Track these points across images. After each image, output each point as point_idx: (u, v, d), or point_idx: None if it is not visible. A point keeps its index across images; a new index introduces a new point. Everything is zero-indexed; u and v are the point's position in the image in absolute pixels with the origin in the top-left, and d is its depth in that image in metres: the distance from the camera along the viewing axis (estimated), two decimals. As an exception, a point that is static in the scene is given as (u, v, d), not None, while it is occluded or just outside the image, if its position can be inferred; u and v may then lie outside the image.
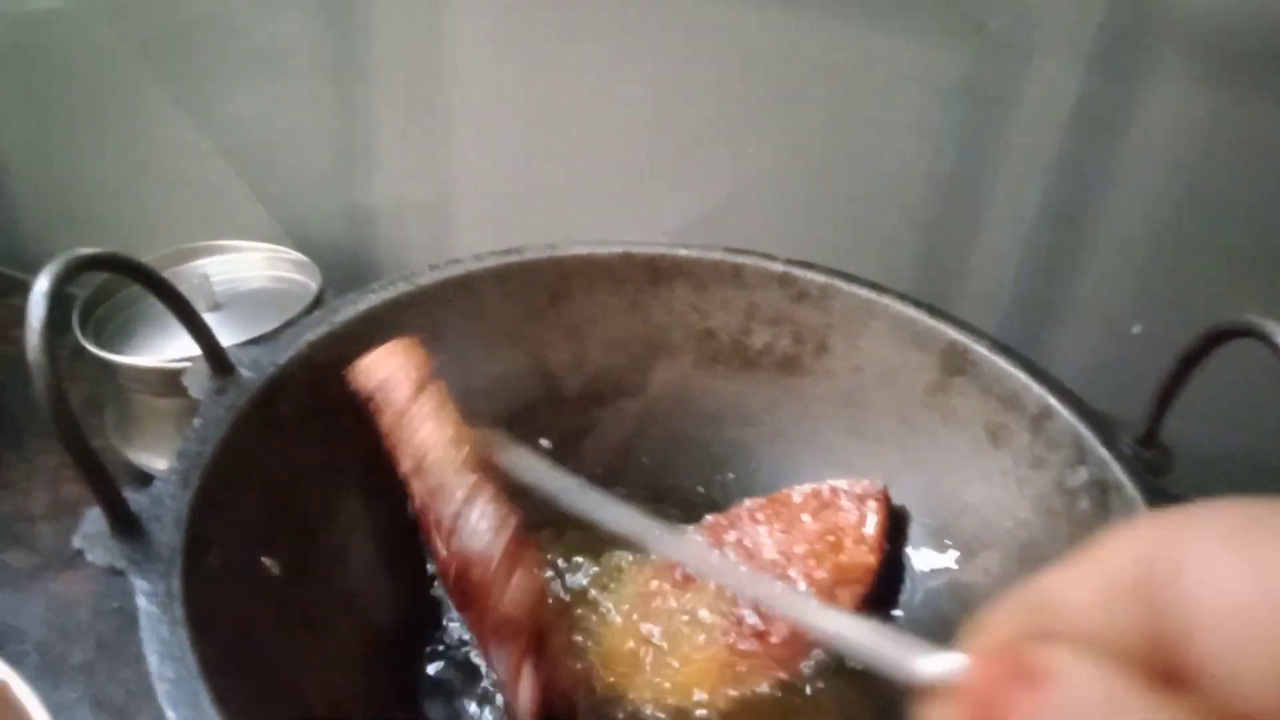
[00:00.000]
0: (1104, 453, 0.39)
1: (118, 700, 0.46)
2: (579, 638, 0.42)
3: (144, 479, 0.56)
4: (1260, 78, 0.47)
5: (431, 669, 0.41)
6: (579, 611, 0.43)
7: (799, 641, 0.41)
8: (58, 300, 0.31)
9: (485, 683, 0.41)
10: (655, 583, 0.44)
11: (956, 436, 0.45)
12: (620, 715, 0.40)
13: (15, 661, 0.36)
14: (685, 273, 0.50)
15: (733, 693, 0.40)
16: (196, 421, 0.37)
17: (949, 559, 0.44)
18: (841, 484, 0.46)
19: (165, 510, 0.33)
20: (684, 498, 0.50)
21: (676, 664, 0.41)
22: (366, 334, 0.44)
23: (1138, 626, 0.14)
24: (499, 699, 0.40)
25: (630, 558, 0.45)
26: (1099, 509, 0.39)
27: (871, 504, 0.44)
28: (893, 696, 0.41)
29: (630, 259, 0.49)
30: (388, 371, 0.39)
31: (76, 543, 0.31)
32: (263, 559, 0.36)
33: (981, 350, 0.44)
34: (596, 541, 0.46)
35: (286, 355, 0.41)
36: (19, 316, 0.72)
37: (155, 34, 0.66)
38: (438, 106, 0.62)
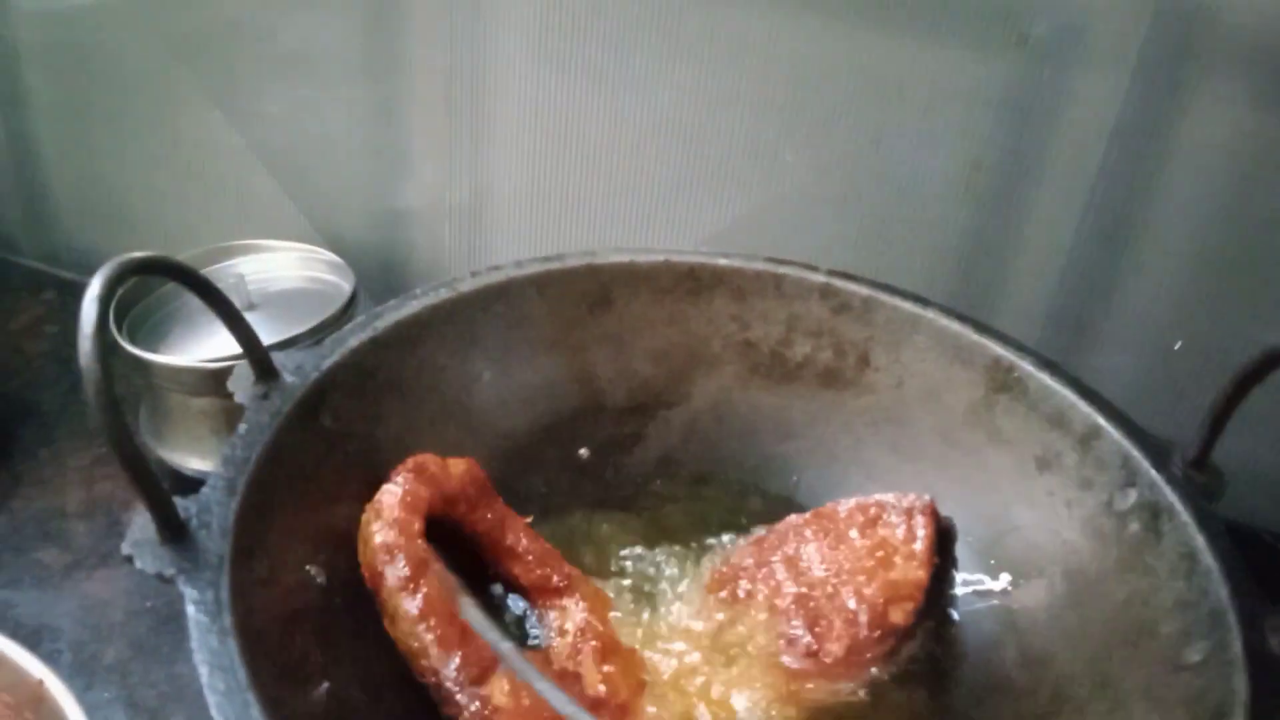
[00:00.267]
0: (1155, 475, 0.39)
1: (151, 702, 0.46)
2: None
3: (177, 479, 0.56)
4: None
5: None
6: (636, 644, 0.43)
7: (852, 661, 0.41)
8: (108, 305, 0.31)
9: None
10: (705, 601, 0.44)
11: (1001, 455, 0.44)
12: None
13: (50, 660, 0.36)
14: (725, 282, 0.49)
15: (787, 714, 0.40)
16: (242, 427, 0.36)
17: (994, 581, 0.44)
18: (888, 498, 0.45)
19: (213, 518, 0.33)
20: (723, 510, 0.49)
21: (730, 687, 0.41)
22: (408, 340, 0.44)
23: None
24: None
25: (678, 577, 0.45)
26: (1150, 533, 0.38)
27: (919, 518, 0.44)
28: (959, 710, 0.41)
29: (670, 267, 0.49)
30: (389, 538, 0.37)
31: (125, 549, 0.31)
32: (308, 568, 0.36)
33: (1027, 367, 0.44)
34: (645, 568, 0.46)
35: (329, 361, 0.40)
36: (52, 312, 0.72)
37: (192, 34, 0.66)
38: (475, 111, 0.62)
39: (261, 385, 0.38)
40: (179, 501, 0.33)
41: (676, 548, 0.47)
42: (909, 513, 0.44)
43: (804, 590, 0.43)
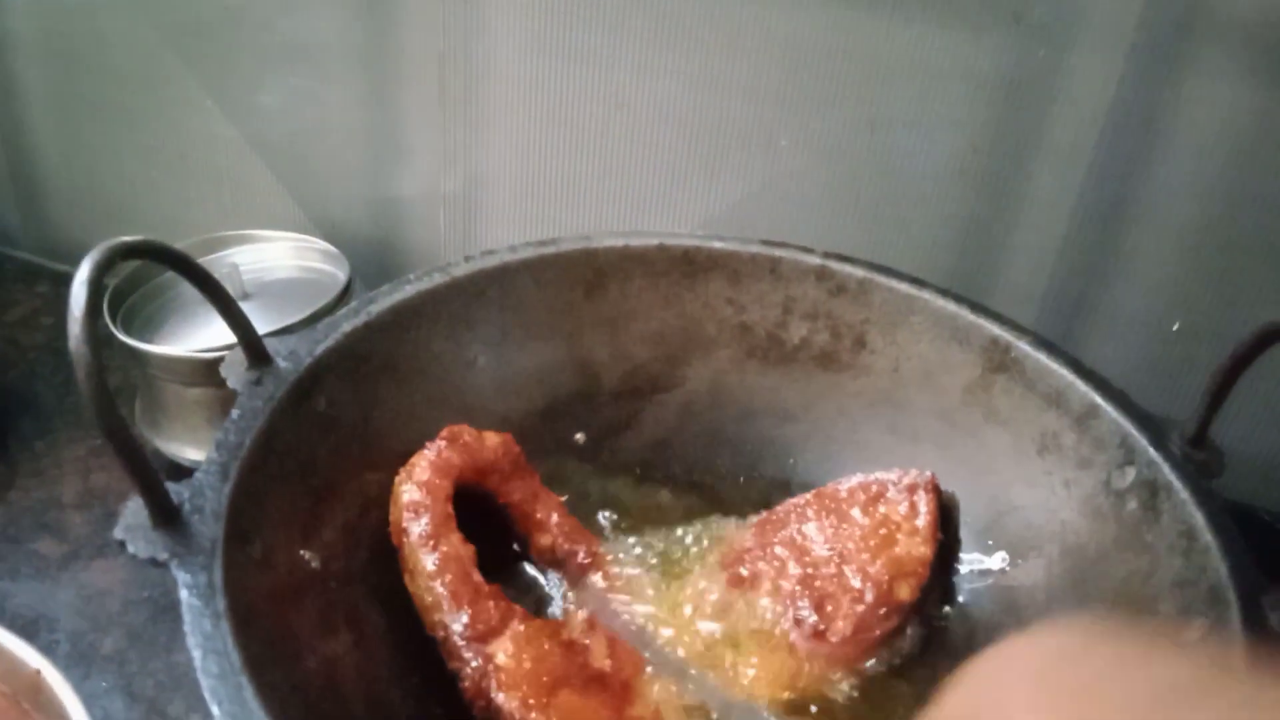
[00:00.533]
0: (1153, 453, 0.39)
1: (149, 691, 0.46)
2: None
3: (173, 469, 0.55)
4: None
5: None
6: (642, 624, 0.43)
7: (859, 639, 0.41)
8: (98, 289, 0.31)
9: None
10: (708, 583, 0.44)
11: (999, 435, 0.44)
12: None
13: (47, 651, 0.36)
14: (721, 265, 0.49)
15: (793, 693, 0.40)
16: (235, 412, 0.36)
17: (993, 560, 0.43)
18: (890, 475, 0.45)
19: (206, 502, 0.33)
20: (720, 493, 0.49)
21: (738, 668, 0.41)
22: (403, 324, 0.44)
23: None
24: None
25: (678, 561, 0.45)
26: (1148, 511, 0.38)
27: (922, 494, 0.44)
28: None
29: (665, 251, 0.49)
30: (416, 496, 0.40)
31: (118, 534, 0.31)
32: (302, 552, 0.36)
33: (1024, 347, 0.44)
34: (654, 546, 0.46)
35: (323, 346, 0.40)
36: (47, 304, 0.72)
37: (186, 24, 0.65)
38: (469, 97, 0.61)
39: (254, 371, 0.38)
40: (171, 487, 0.32)
41: (676, 531, 0.47)
42: (911, 489, 0.44)
43: (809, 570, 0.43)
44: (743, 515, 0.47)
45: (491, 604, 0.38)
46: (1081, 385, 0.42)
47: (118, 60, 0.68)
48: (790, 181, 0.58)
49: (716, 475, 0.50)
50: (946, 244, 0.57)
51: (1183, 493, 0.37)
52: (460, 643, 0.37)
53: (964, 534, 0.45)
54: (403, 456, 0.41)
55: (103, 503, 0.56)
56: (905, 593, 0.42)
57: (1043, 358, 0.43)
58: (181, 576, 0.30)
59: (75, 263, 0.31)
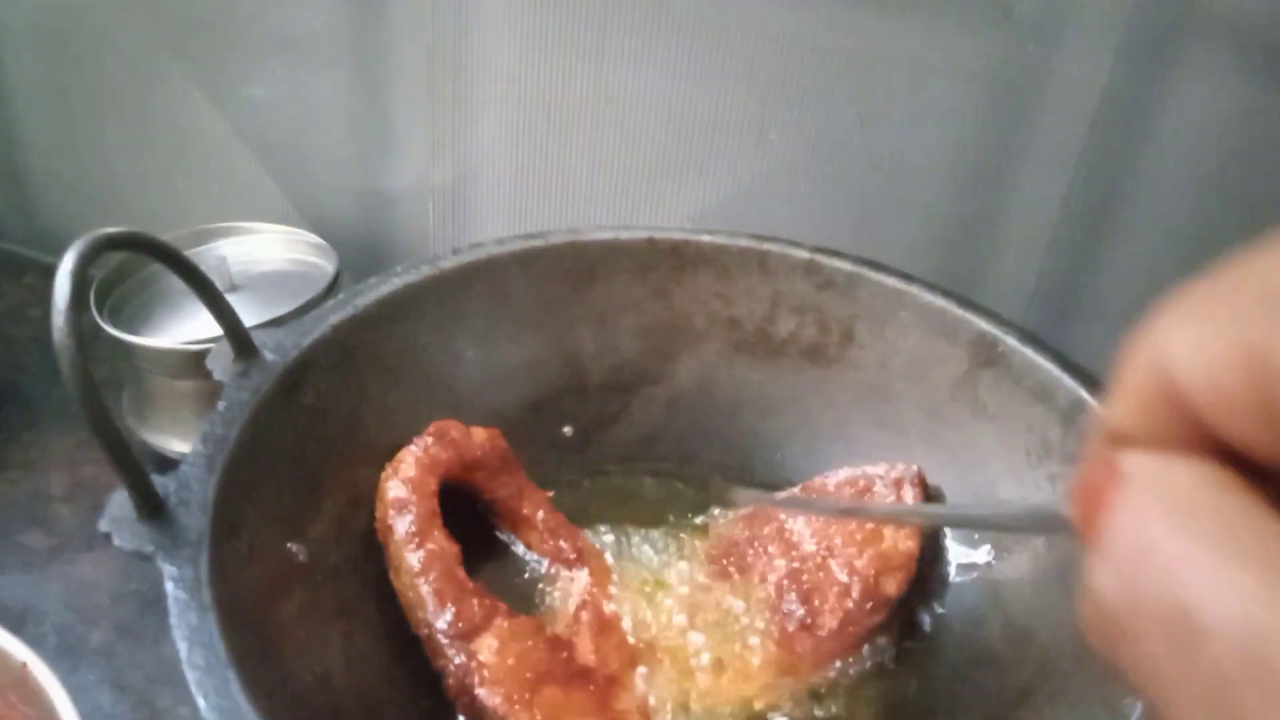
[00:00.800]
0: (1138, 448, 0.39)
1: (137, 684, 0.46)
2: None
3: (161, 462, 0.55)
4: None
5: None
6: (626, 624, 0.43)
7: (846, 633, 0.41)
8: (82, 280, 0.31)
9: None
10: (695, 577, 0.44)
11: (986, 430, 0.44)
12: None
13: (35, 643, 0.36)
14: (709, 259, 0.49)
15: (779, 687, 0.40)
16: (221, 404, 0.36)
17: (979, 554, 0.44)
18: (876, 470, 0.45)
19: (192, 494, 0.32)
20: (708, 488, 0.49)
21: (725, 662, 0.41)
22: (390, 317, 0.43)
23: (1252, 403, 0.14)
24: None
25: (666, 554, 0.45)
26: (1133, 504, 0.38)
27: (908, 489, 0.44)
28: (943, 684, 0.41)
29: (654, 244, 0.49)
30: (402, 493, 0.40)
31: (103, 526, 0.31)
32: (289, 545, 0.36)
33: (1011, 342, 0.44)
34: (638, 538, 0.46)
35: (310, 338, 0.40)
36: (34, 296, 0.71)
37: (175, 15, 0.65)
38: (458, 91, 0.61)
39: (241, 363, 0.38)
40: (157, 479, 0.32)
41: (663, 525, 0.47)
42: (897, 484, 0.44)
43: (796, 565, 0.43)
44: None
45: (475, 601, 0.38)
46: (1068, 380, 0.42)
47: (107, 51, 0.68)
48: (780, 176, 0.58)
49: (704, 468, 0.50)
50: (936, 239, 0.57)
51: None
52: (444, 640, 0.37)
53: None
54: (391, 449, 0.41)
55: (91, 495, 0.55)
56: (892, 587, 0.42)
57: (1030, 353, 0.43)
58: (167, 569, 0.30)
59: (63, 255, 0.31)
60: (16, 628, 0.37)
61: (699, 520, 0.47)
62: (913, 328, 0.47)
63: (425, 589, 0.38)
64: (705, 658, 0.41)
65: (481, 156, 0.63)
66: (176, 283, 0.37)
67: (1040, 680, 0.38)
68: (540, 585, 0.43)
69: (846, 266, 0.48)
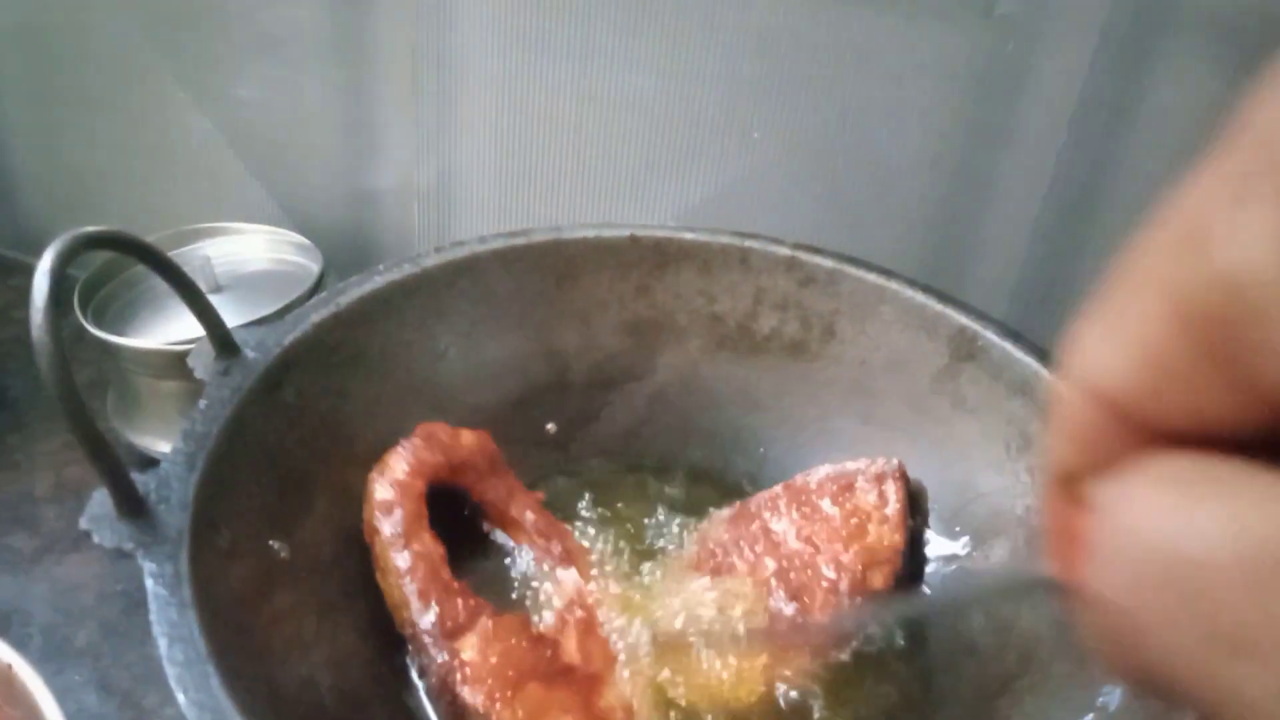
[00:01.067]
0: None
1: (123, 684, 0.46)
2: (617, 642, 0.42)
3: (146, 461, 0.55)
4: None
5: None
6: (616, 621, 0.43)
7: (836, 629, 0.41)
8: (61, 279, 0.31)
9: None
10: (682, 575, 0.44)
11: (967, 423, 0.45)
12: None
13: (20, 645, 0.36)
14: (691, 256, 0.49)
15: (768, 684, 0.40)
16: (202, 403, 0.36)
17: (959, 545, 0.44)
18: (857, 465, 0.45)
19: (172, 492, 0.33)
20: (691, 483, 0.49)
21: (712, 659, 0.41)
22: (372, 315, 0.44)
23: None
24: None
25: (652, 552, 0.45)
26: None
27: (890, 483, 0.44)
28: (927, 674, 0.41)
29: (636, 242, 0.49)
30: (389, 495, 0.40)
31: (83, 524, 0.31)
32: (271, 543, 0.36)
33: (991, 336, 0.44)
34: (628, 537, 0.46)
35: (291, 336, 0.40)
36: (20, 298, 0.71)
37: (160, 15, 0.65)
38: (442, 90, 0.61)
39: (222, 361, 0.38)
40: (138, 477, 0.32)
41: (647, 522, 0.47)
42: (879, 478, 0.44)
43: (783, 562, 0.43)
44: (715, 505, 0.48)
45: (460, 601, 0.38)
46: (1048, 374, 0.42)
47: (92, 51, 0.68)
48: (763, 173, 0.58)
49: (688, 465, 0.50)
50: (918, 235, 0.57)
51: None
52: (428, 640, 0.37)
53: (931, 520, 0.45)
54: (373, 447, 0.41)
55: (76, 497, 0.55)
56: (879, 581, 0.42)
57: (1009, 347, 0.44)
58: (148, 566, 0.30)
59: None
60: (2, 629, 0.37)
61: (684, 518, 0.47)
62: (894, 323, 0.47)
63: (410, 589, 0.38)
64: (691, 656, 0.41)
65: (466, 156, 0.63)
66: (161, 284, 0.37)
67: (1022, 669, 0.39)
68: (529, 584, 0.44)
69: (828, 263, 0.48)
